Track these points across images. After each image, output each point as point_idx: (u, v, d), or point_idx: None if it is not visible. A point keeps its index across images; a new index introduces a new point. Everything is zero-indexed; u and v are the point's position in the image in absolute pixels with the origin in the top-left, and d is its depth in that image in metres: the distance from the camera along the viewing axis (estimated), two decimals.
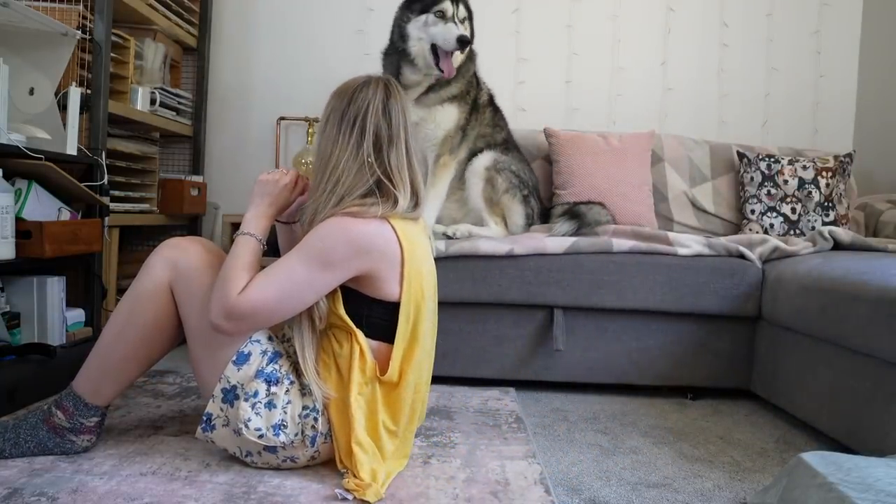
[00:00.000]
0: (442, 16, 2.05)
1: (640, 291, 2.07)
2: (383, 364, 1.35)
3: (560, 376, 2.14)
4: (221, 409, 1.33)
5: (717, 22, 3.12)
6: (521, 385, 2.16)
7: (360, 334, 1.34)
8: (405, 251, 1.34)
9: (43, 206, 2.00)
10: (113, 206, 2.37)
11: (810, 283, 1.81)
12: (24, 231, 1.86)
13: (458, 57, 2.14)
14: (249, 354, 1.34)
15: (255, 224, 1.40)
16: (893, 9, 2.96)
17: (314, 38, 3.11)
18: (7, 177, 1.85)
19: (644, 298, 2.07)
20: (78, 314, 2.18)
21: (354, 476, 1.29)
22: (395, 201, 1.35)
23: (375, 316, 1.35)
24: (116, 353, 1.39)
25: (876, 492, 1.04)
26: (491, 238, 2.16)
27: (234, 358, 1.33)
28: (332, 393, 1.34)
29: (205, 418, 1.35)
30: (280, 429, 1.31)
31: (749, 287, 2.07)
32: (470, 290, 2.07)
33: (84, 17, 2.22)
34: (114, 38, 2.36)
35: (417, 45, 2.09)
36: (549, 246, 2.09)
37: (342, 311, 1.34)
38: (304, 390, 1.35)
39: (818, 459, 1.16)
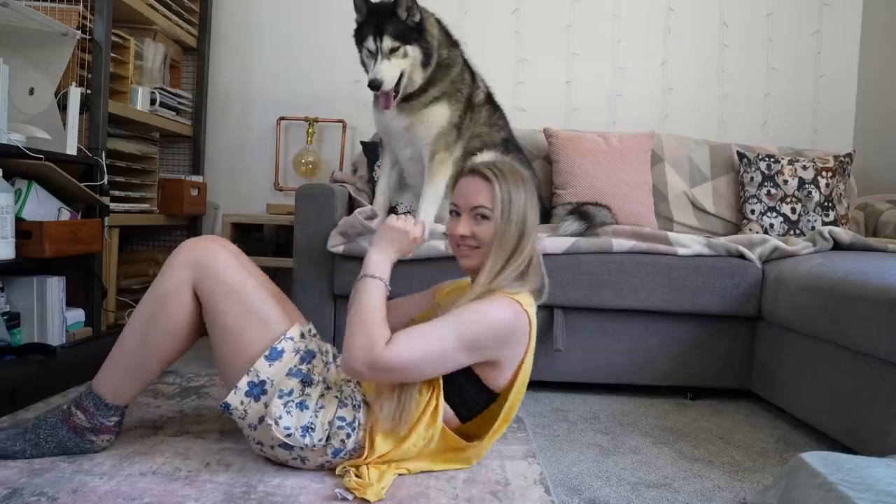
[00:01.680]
0: (369, 53, 2.03)
1: (640, 291, 2.07)
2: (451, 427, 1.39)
3: (560, 376, 2.14)
4: (242, 403, 1.34)
5: (717, 22, 3.12)
6: None
7: (440, 397, 1.36)
8: (530, 346, 1.38)
9: (43, 206, 2.00)
10: (113, 206, 2.37)
11: (810, 283, 1.81)
12: (24, 231, 1.86)
13: (413, 71, 2.05)
14: (283, 351, 1.36)
15: (383, 269, 1.39)
16: (893, 9, 2.96)
17: (314, 38, 3.10)
18: (7, 177, 1.85)
19: (644, 298, 2.07)
20: (78, 314, 2.18)
21: (357, 475, 1.30)
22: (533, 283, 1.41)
23: (469, 393, 1.38)
24: (138, 353, 1.40)
25: (876, 492, 1.04)
26: None
27: (266, 353, 1.34)
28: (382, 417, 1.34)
29: (223, 406, 1.36)
30: (308, 431, 1.32)
31: (749, 287, 2.07)
32: None
33: (84, 17, 2.22)
34: (114, 38, 2.36)
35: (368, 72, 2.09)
36: (548, 246, 2.09)
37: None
38: (344, 401, 1.37)
39: (818, 459, 1.16)
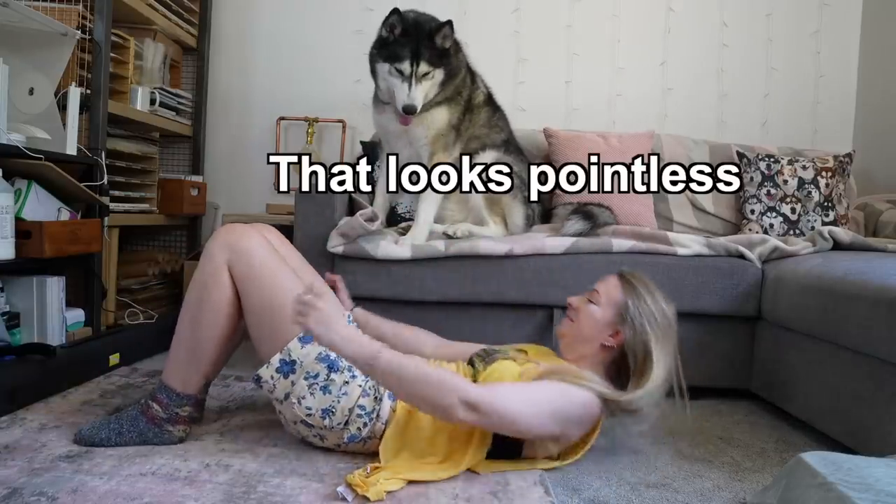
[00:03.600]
0: (399, 73, 2.04)
1: None
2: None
3: None
4: (272, 377, 1.41)
5: (717, 22, 3.12)
6: None
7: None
8: (589, 440, 1.48)
9: (43, 206, 2.00)
10: (113, 206, 2.37)
11: (810, 283, 1.81)
12: (24, 231, 1.86)
13: (431, 90, 2.08)
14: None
15: (358, 340, 1.32)
16: (893, 9, 2.96)
17: (314, 38, 3.11)
18: (7, 177, 1.85)
19: None
20: (78, 314, 2.18)
21: (364, 470, 1.31)
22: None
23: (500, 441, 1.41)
24: (192, 338, 1.47)
25: (876, 492, 1.04)
26: (490, 238, 2.16)
27: (300, 335, 1.40)
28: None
29: (254, 378, 1.44)
30: (328, 413, 1.40)
31: (749, 287, 2.07)
32: (469, 289, 2.07)
33: (84, 17, 2.22)
34: (114, 38, 2.36)
35: (383, 84, 2.11)
36: (548, 246, 2.09)
37: None
38: (367, 391, 1.42)
39: (818, 459, 1.16)
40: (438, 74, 2.06)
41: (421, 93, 2.03)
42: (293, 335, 1.40)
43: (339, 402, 1.39)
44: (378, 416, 1.42)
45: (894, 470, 1.12)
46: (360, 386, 1.42)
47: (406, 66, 2.01)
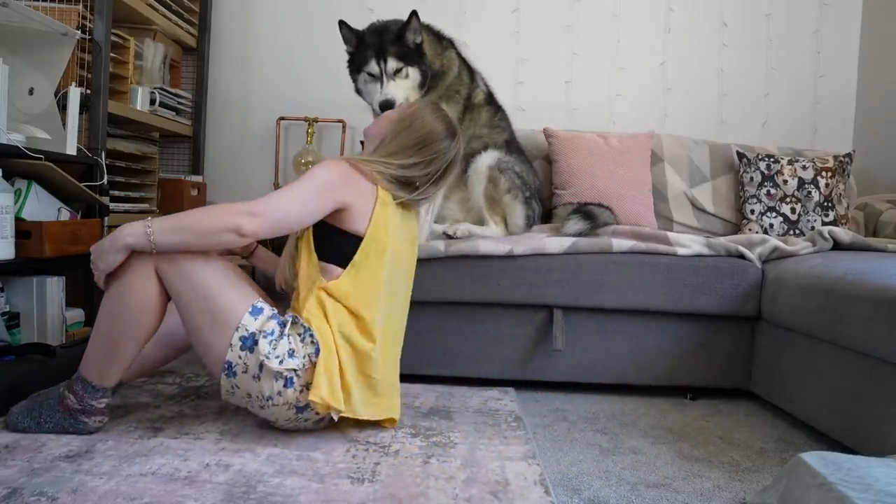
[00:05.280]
0: (371, 76, 2.04)
1: (640, 291, 2.07)
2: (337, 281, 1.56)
3: (560, 376, 2.14)
4: (240, 357, 1.46)
5: (716, 22, 3.12)
6: (521, 385, 2.16)
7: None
8: (377, 208, 1.57)
9: (43, 206, 2.00)
10: (112, 206, 2.37)
11: (810, 283, 1.81)
12: (24, 231, 1.86)
13: (411, 94, 2.07)
14: (262, 308, 1.50)
15: (127, 226, 1.45)
16: (893, 9, 2.96)
17: (314, 38, 3.10)
18: (7, 177, 1.85)
19: (644, 298, 2.07)
20: (77, 314, 2.18)
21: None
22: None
23: (337, 242, 1.57)
24: (112, 335, 1.49)
25: (876, 492, 1.04)
26: (491, 238, 2.16)
27: (249, 310, 1.48)
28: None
29: (226, 366, 1.47)
30: (292, 354, 1.47)
31: (749, 287, 2.07)
32: (469, 289, 2.07)
33: (84, 17, 2.22)
34: (114, 38, 2.36)
35: (368, 97, 2.13)
36: (548, 246, 2.09)
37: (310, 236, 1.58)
38: (300, 329, 1.51)
39: (818, 459, 1.16)
40: (413, 73, 2.05)
41: (397, 89, 2.01)
42: (243, 312, 1.47)
43: (291, 342, 1.48)
44: (312, 338, 1.49)
45: (894, 470, 1.12)
46: (295, 328, 1.51)
47: (374, 66, 2.02)
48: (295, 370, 1.47)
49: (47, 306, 2.02)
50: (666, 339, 2.12)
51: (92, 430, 1.52)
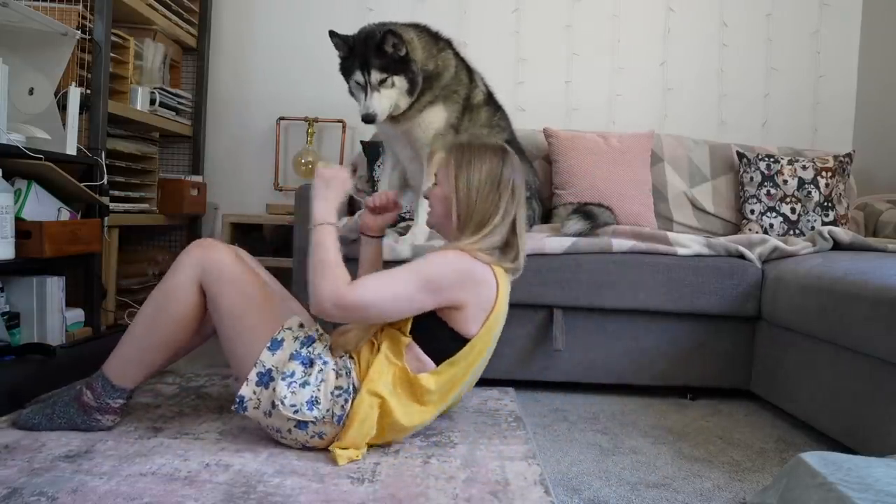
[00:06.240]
0: (357, 86, 2.05)
1: (640, 291, 2.07)
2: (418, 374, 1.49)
3: (560, 376, 2.14)
4: (255, 392, 1.44)
5: (717, 22, 3.12)
6: (521, 385, 2.16)
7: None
8: (497, 303, 1.50)
9: (43, 206, 2.00)
10: (112, 206, 2.37)
11: (810, 283, 1.81)
12: (24, 231, 1.86)
13: (400, 100, 2.05)
14: (283, 340, 1.46)
15: (331, 214, 1.49)
16: (893, 9, 2.96)
17: (314, 38, 3.08)
18: (7, 177, 1.85)
19: (644, 298, 2.07)
20: (77, 314, 2.18)
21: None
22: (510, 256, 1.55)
23: (440, 339, 1.48)
24: (146, 341, 1.52)
25: (876, 492, 1.04)
26: None
27: (268, 345, 1.45)
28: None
29: (238, 400, 1.45)
30: (313, 404, 1.41)
31: (749, 287, 2.07)
32: None
33: (84, 17, 2.22)
34: (113, 38, 2.36)
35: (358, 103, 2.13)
36: (548, 246, 2.09)
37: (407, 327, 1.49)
38: (340, 372, 1.45)
39: (818, 459, 1.16)
40: (399, 81, 2.04)
41: (380, 100, 2.02)
42: (263, 345, 1.44)
43: (319, 390, 1.42)
44: (354, 388, 1.44)
45: (894, 470, 1.12)
46: (334, 370, 1.45)
47: (359, 77, 2.03)
48: (313, 421, 1.42)
49: (47, 306, 2.02)
50: (666, 339, 2.12)
51: (104, 427, 1.54)
